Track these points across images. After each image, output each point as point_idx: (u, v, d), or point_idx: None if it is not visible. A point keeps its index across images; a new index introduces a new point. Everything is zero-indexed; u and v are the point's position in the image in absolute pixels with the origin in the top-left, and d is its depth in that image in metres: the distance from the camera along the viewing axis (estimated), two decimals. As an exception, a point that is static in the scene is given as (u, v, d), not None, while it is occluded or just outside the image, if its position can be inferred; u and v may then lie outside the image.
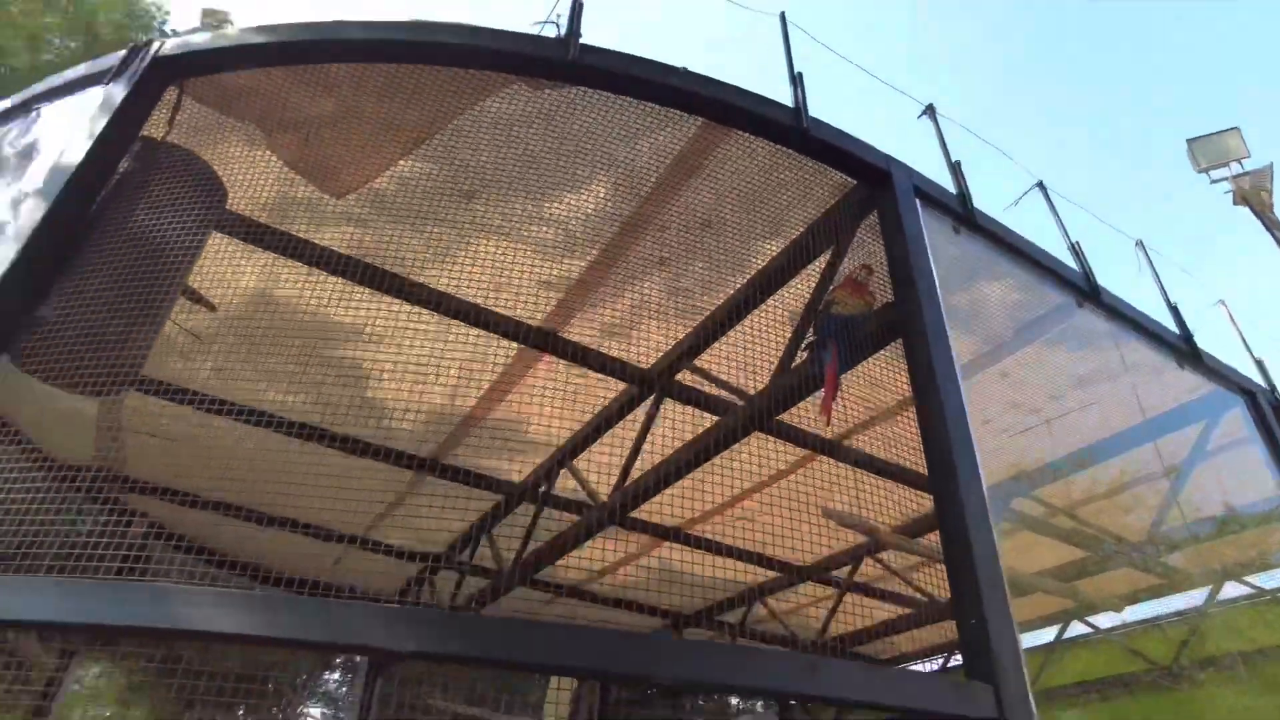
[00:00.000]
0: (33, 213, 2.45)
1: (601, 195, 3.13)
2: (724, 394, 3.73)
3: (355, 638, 1.40)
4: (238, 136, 3.09)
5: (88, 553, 1.92)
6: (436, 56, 2.76)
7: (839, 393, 2.74)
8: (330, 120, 3.08)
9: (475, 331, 3.49)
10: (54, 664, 4.11)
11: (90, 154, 2.56)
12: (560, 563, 5.19)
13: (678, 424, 4.07)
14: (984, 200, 3.16)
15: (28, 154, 3.29)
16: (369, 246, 3.36)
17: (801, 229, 3.08)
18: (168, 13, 17.06)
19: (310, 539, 4.79)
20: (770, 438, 3.98)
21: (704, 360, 3.77)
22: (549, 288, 3.56)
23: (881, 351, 2.85)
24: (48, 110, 3.35)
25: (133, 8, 16.76)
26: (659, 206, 3.07)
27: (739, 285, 3.45)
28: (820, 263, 3.09)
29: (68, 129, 2.87)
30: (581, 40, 2.69)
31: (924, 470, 2.37)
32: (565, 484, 4.84)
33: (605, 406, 4.27)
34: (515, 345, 3.82)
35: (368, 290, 3.35)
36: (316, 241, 3.28)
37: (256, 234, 3.13)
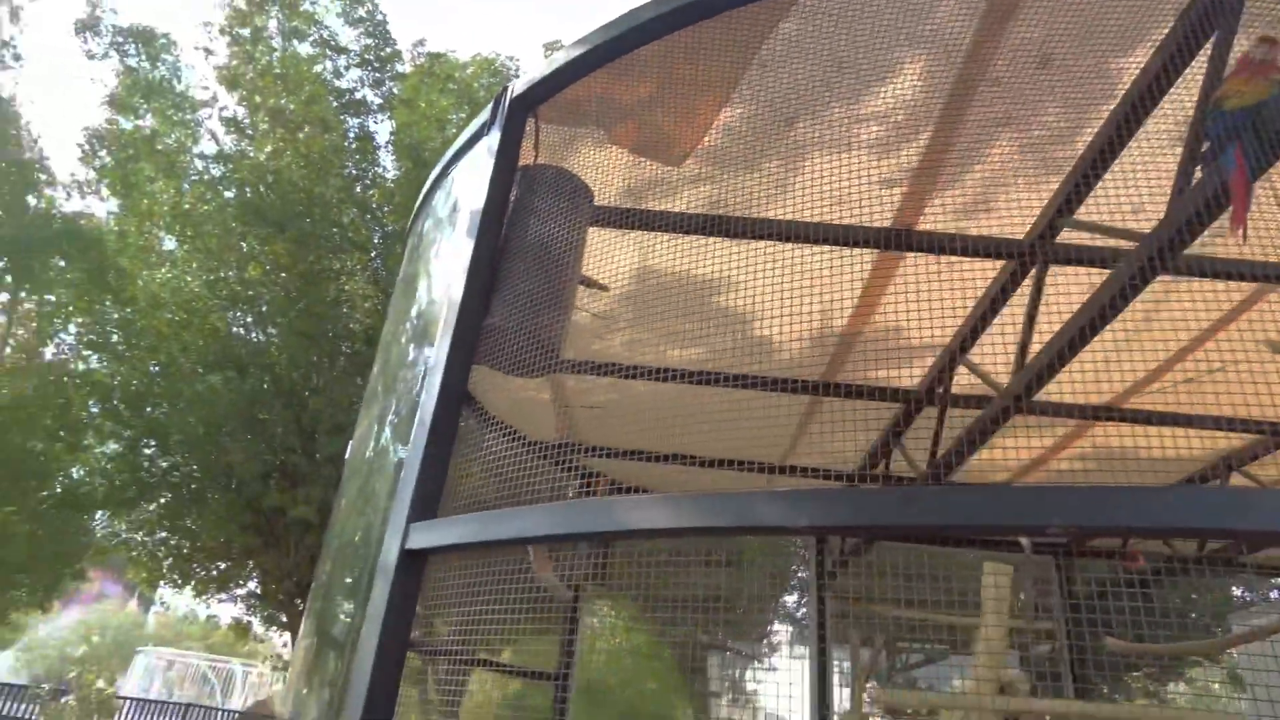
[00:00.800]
0: (466, 250, 3.15)
1: (918, 74, 3.01)
2: (1116, 243, 3.31)
3: (757, 520, 1.63)
4: (587, 141, 3.59)
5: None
6: (724, 2, 2.90)
7: (1253, 200, 2.29)
8: (652, 100, 3.42)
9: (830, 249, 3.58)
10: (570, 598, 5.19)
11: (490, 193, 3.20)
12: (981, 458, 5.03)
13: (1072, 290, 3.70)
14: None
15: (454, 208, 4.21)
16: (716, 199, 3.66)
17: (1166, 27, 2.62)
18: (518, 60, 19.90)
19: (743, 473, 5.33)
20: (1195, 281, 3.43)
21: (1085, 212, 3.39)
22: (891, 185, 3.51)
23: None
24: (456, 171, 4.23)
25: (493, 67, 19.87)
26: (983, 64, 2.85)
27: (1106, 116, 3.04)
28: (1202, 57, 2.59)
29: (472, 179, 3.61)
30: (855, -73, 2.63)
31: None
32: (964, 380, 4.68)
33: (986, 289, 4.06)
34: (873, 251, 3.83)
35: (724, 240, 3.64)
36: (671, 210, 3.67)
37: (622, 218, 3.61)
